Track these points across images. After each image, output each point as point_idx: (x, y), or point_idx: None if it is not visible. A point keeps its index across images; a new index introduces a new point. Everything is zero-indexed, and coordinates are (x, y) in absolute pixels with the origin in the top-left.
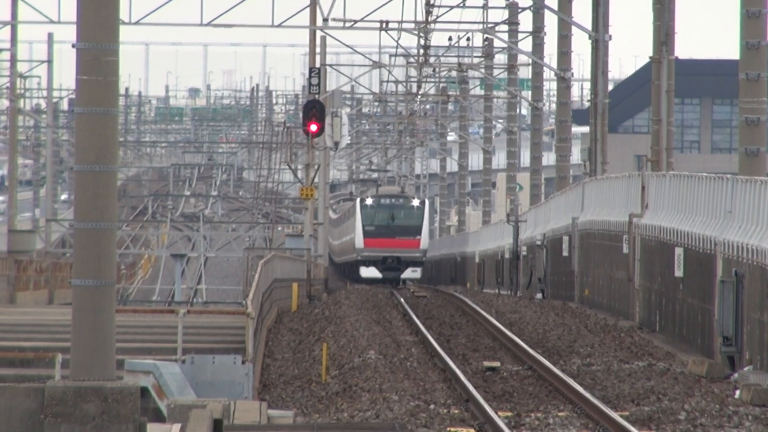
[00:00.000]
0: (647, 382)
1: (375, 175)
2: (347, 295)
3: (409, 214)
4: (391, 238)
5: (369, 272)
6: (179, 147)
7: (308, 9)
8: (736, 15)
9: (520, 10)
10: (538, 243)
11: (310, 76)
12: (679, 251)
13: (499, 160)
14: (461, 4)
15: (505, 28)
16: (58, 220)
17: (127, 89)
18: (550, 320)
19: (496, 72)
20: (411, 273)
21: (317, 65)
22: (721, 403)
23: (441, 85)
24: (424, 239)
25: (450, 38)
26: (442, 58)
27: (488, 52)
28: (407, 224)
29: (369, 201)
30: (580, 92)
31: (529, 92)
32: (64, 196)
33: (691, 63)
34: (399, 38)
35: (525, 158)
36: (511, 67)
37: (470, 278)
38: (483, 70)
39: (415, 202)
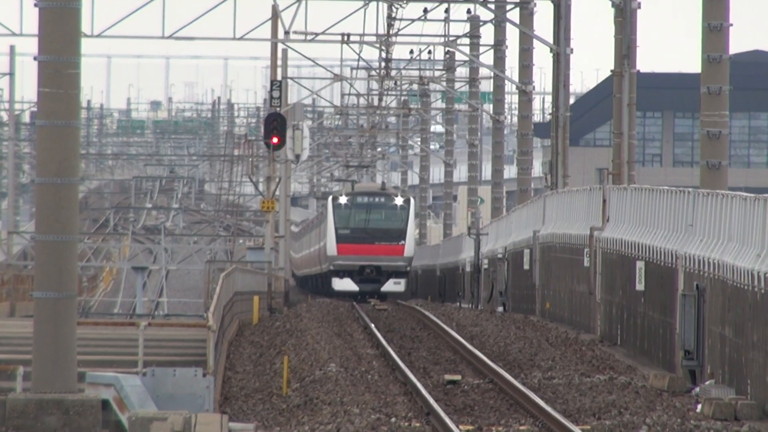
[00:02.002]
0: (608, 395)
1: (337, 183)
2: (308, 308)
3: (391, 215)
4: (369, 244)
5: (343, 284)
6: (141, 159)
7: (270, 22)
8: (697, 28)
9: (481, 24)
10: (500, 256)
11: (272, 89)
12: (640, 264)
13: (461, 173)
14: (423, 18)
15: (467, 41)
16: (20, 233)
17: (89, 102)
18: (511, 333)
19: (457, 85)
20: (393, 285)
21: (279, 78)
22: (683, 417)
23: (402, 98)
24: (408, 245)
25: (411, 51)
26: (404, 71)
27: (450, 65)
28: (389, 227)
29: (343, 199)
30: (542, 105)
31: (491, 105)
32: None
33: (653, 76)
34: (361, 51)
35: (486, 171)
36: (473, 80)
37: (431, 292)
38: (444, 83)
39: (399, 201)
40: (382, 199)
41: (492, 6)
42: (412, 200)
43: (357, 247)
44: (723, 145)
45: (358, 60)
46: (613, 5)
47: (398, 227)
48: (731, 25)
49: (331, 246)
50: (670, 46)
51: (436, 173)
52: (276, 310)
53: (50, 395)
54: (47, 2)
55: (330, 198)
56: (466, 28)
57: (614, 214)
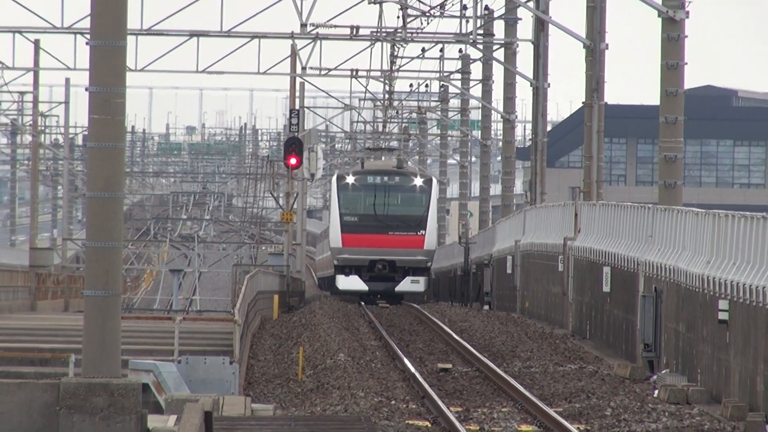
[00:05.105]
0: (578, 382)
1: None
2: (321, 305)
3: (408, 199)
4: (381, 234)
5: (349, 283)
6: (177, 177)
7: (289, 59)
8: (657, 66)
9: (471, 61)
10: (486, 262)
11: (291, 117)
12: (606, 270)
13: (453, 190)
14: (421, 56)
15: (459, 76)
16: (73, 239)
17: (133, 127)
18: (495, 328)
19: (450, 114)
20: (411, 284)
21: (297, 107)
22: (642, 401)
23: (403, 125)
24: (429, 236)
25: (411, 85)
26: (404, 102)
27: (444, 96)
28: (406, 213)
29: (350, 179)
30: (523, 132)
31: (479, 131)
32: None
33: (619, 108)
34: (367, 84)
35: (475, 188)
36: (464, 110)
37: (427, 293)
38: (439, 113)
39: (418, 181)
40: (398, 179)
41: (480, 46)
42: (434, 180)
43: (366, 237)
44: (678, 167)
45: (365, 92)
46: (584, 46)
47: (417, 214)
48: (686, 63)
49: (335, 236)
50: (634, 81)
51: None
52: (293, 307)
53: (98, 379)
54: (97, 41)
55: (335, 176)
56: (458, 65)
57: (585, 226)
